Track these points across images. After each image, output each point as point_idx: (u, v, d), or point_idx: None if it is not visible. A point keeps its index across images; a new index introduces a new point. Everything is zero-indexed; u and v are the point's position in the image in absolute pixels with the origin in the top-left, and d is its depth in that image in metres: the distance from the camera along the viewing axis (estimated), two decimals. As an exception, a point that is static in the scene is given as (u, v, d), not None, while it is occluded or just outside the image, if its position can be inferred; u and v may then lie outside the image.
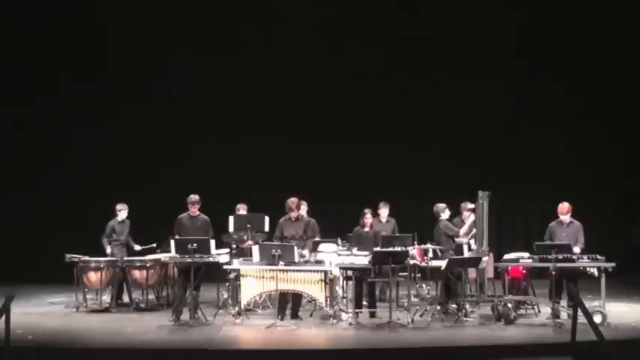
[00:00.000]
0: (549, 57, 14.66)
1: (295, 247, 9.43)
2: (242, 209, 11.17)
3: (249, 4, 14.58)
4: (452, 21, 14.67)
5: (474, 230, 10.27)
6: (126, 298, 11.00)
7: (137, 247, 11.26)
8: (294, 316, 9.71)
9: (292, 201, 10.01)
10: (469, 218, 10.43)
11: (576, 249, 9.59)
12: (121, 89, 14.41)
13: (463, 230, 10.35)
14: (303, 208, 10.98)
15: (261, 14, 14.58)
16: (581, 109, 14.77)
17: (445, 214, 10.39)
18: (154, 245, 11.23)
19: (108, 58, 14.47)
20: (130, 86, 14.40)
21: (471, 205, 10.46)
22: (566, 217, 10.01)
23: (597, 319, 8.37)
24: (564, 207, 10.04)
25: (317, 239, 10.77)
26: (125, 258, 10.87)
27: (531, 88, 14.84)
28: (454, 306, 9.84)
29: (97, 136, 14.50)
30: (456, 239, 10.30)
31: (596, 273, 9.38)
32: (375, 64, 14.84)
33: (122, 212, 11.15)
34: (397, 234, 10.87)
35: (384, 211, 11.64)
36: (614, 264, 9.30)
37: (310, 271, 9.40)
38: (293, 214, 10.00)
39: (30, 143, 14.47)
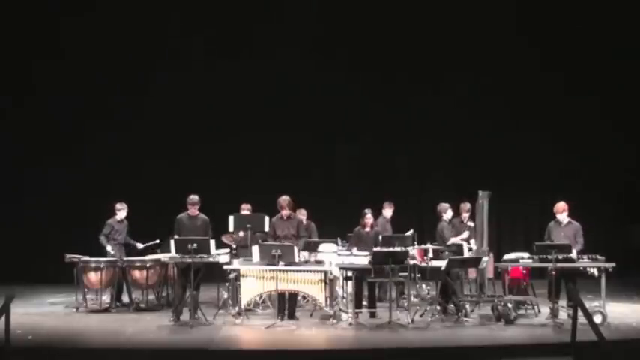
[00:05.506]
0: (551, 55, 14.68)
1: (295, 247, 9.43)
2: (245, 210, 11.17)
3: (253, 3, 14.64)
4: (451, 21, 14.68)
5: (467, 233, 10.31)
6: (126, 298, 11.00)
7: (140, 245, 11.20)
8: (291, 316, 9.69)
9: (283, 199, 9.96)
10: (465, 231, 10.40)
11: (573, 251, 9.56)
12: (122, 89, 14.41)
13: (454, 240, 10.30)
14: (303, 215, 11.03)
15: (264, 11, 14.60)
16: (583, 110, 14.77)
17: (447, 215, 10.38)
18: (158, 241, 11.12)
19: (107, 57, 14.47)
20: (131, 86, 14.39)
21: (471, 209, 10.48)
22: (562, 217, 9.99)
23: (597, 319, 8.38)
24: (559, 206, 10.03)
25: (316, 239, 10.82)
26: (125, 258, 10.87)
27: (532, 88, 14.85)
28: (452, 306, 9.82)
29: (97, 135, 14.50)
30: (453, 239, 10.28)
31: (596, 273, 9.37)
32: (375, 64, 14.84)
33: (122, 212, 11.15)
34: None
35: (388, 212, 11.64)
36: (614, 264, 9.29)
37: (310, 271, 9.40)
38: (284, 213, 9.94)
39: (29, 143, 14.47)
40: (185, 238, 9.50)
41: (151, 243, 11.22)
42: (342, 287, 10.17)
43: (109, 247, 10.90)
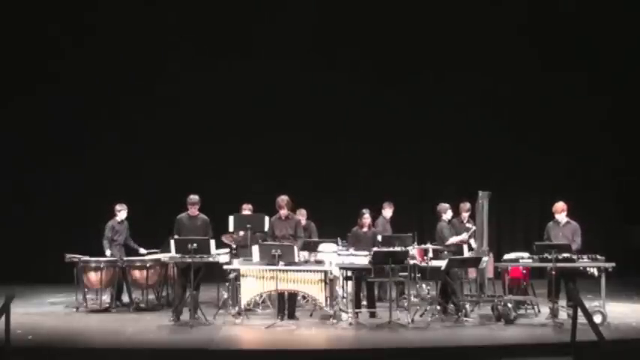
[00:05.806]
0: (551, 56, 14.68)
1: (295, 247, 9.43)
2: (247, 210, 11.16)
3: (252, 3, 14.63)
4: (452, 21, 14.67)
5: (465, 235, 10.31)
6: (126, 298, 10.99)
7: (143, 251, 11.19)
8: (291, 316, 9.69)
9: (282, 199, 9.93)
10: (464, 232, 10.39)
11: None
12: (122, 89, 14.41)
13: (453, 240, 10.29)
14: (303, 215, 11.02)
15: (264, 13, 14.59)
16: (583, 110, 14.77)
17: (447, 215, 10.36)
18: (159, 250, 11.13)
19: (107, 56, 14.46)
20: (131, 86, 14.39)
21: (471, 209, 10.47)
22: (561, 217, 9.99)
23: (597, 319, 8.38)
24: (558, 206, 10.04)
25: (316, 239, 10.81)
26: (125, 258, 10.87)
27: (533, 89, 14.85)
28: (452, 306, 9.82)
29: (97, 136, 14.50)
30: (452, 239, 10.27)
31: (596, 273, 9.37)
32: (376, 64, 14.84)
33: (122, 212, 11.14)
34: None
35: (388, 212, 11.63)
36: (614, 264, 9.29)
37: (310, 271, 9.39)
38: (282, 212, 9.92)
39: (29, 143, 14.47)
40: (185, 238, 9.50)
41: (153, 250, 11.18)
42: (342, 287, 10.16)
43: (108, 253, 10.89)
